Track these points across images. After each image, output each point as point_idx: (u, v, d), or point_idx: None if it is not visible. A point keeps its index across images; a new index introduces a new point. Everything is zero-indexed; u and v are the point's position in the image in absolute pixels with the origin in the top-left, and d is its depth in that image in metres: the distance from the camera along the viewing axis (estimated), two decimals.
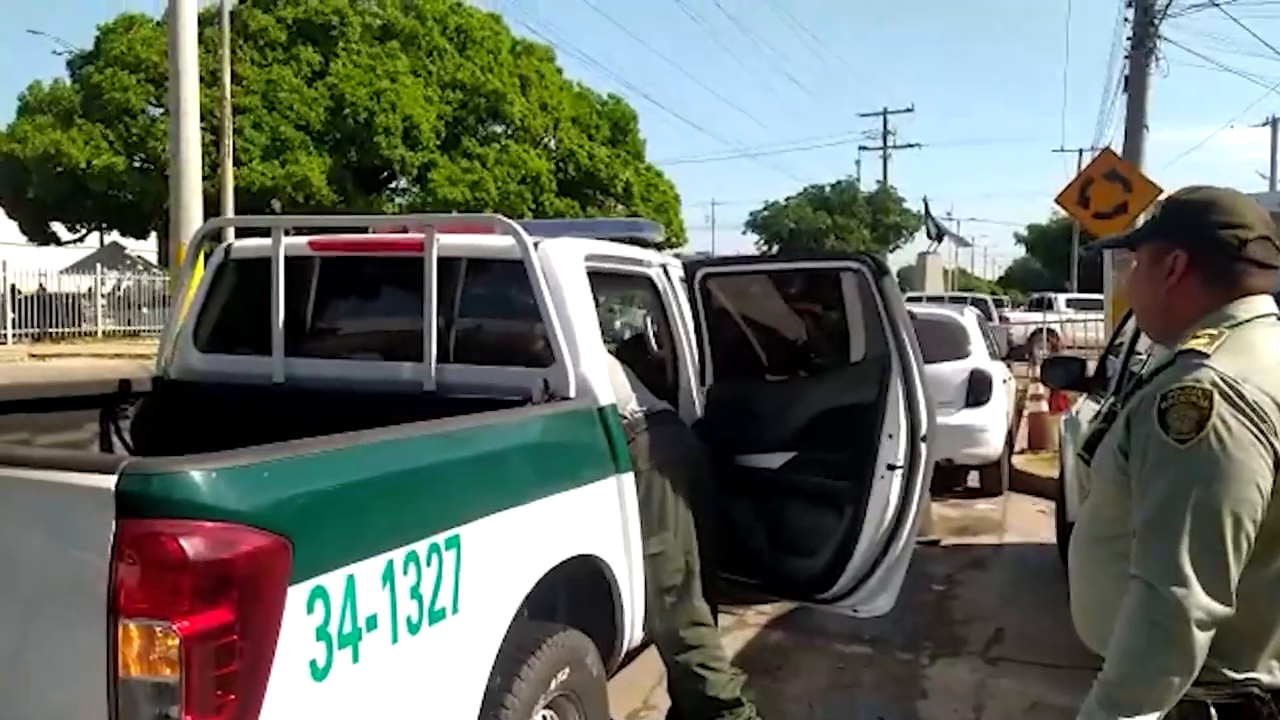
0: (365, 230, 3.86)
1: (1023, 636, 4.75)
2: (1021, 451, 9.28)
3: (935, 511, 6.54)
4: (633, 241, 3.86)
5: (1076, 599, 1.72)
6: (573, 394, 2.91)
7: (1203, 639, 1.41)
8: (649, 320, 3.63)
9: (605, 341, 3.38)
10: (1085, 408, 5.49)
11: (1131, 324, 5.06)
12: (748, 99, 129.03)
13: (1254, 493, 1.43)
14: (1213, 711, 1.49)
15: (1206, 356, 1.50)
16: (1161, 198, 7.79)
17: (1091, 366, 5.55)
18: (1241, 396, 1.45)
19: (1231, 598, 1.42)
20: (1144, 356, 4.32)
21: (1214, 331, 1.54)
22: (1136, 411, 1.54)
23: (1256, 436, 1.44)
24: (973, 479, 8.03)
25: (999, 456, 7.74)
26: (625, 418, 3.17)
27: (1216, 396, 1.44)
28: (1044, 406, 9.62)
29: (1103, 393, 5.01)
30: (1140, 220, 8.12)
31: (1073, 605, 1.73)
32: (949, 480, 7.56)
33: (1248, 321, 1.56)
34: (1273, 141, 33.78)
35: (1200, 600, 1.40)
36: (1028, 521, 7.10)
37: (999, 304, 26.89)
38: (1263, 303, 1.59)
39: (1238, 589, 1.43)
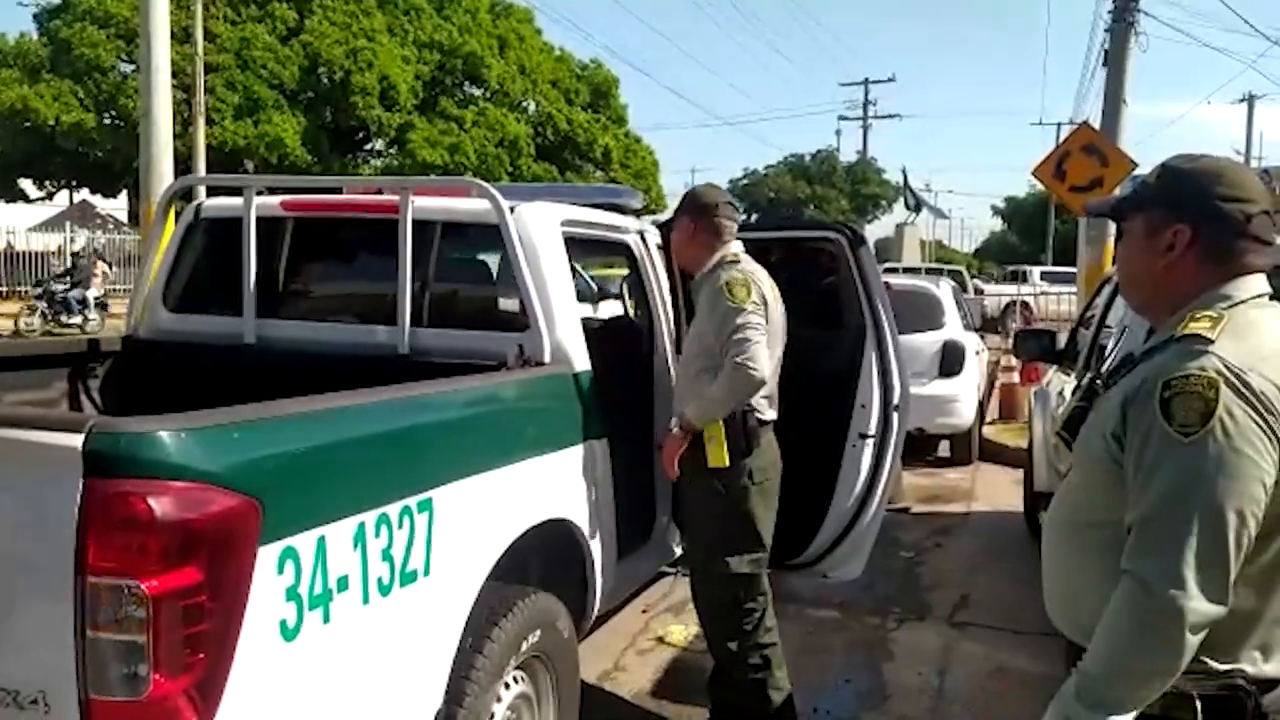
0: (339, 191, 3.81)
1: (987, 602, 4.85)
2: (992, 422, 9.39)
3: (906, 479, 6.62)
4: (611, 208, 3.84)
5: (1052, 585, 1.64)
6: (548, 359, 2.91)
7: (1194, 640, 1.36)
8: (625, 287, 3.61)
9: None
10: (1055, 379, 5.56)
11: (1101, 298, 5.11)
12: (730, 67, 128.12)
13: (1259, 489, 1.36)
14: (1198, 703, 1.43)
15: (1210, 342, 1.41)
16: (1139, 171, 7.83)
17: (1062, 339, 5.61)
18: (1248, 386, 1.37)
19: (1228, 598, 1.36)
20: (1113, 329, 4.36)
21: (1214, 314, 1.45)
22: (1135, 398, 1.44)
23: (1262, 428, 1.36)
24: (944, 448, 8.13)
25: (970, 426, 7.86)
26: (763, 419, 3.09)
27: (1222, 386, 1.36)
28: (1015, 378, 9.72)
29: (1073, 365, 5.07)
30: (1117, 194, 8.15)
31: (1046, 591, 1.65)
32: (920, 449, 7.66)
33: (1244, 302, 1.48)
34: (1249, 118, 34.09)
35: (1196, 604, 1.34)
36: (996, 490, 7.20)
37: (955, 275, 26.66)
38: (1258, 282, 1.51)
39: None
